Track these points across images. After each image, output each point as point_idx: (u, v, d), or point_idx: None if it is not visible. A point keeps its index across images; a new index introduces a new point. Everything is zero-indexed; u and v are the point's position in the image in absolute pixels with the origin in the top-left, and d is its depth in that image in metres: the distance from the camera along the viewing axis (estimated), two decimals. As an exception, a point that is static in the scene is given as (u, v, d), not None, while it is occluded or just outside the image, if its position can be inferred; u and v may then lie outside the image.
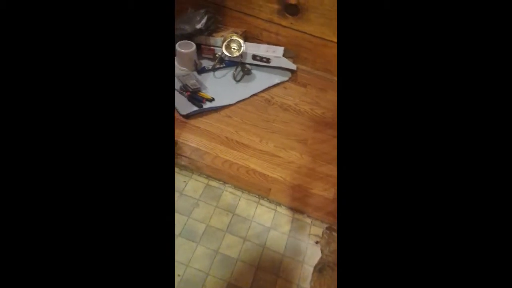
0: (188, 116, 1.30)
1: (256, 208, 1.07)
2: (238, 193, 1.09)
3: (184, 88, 1.36)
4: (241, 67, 1.46)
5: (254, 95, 1.43)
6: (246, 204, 1.07)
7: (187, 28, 1.46)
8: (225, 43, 1.44)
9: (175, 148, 1.19)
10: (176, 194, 1.06)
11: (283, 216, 1.07)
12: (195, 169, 1.13)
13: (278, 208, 1.08)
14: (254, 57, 1.49)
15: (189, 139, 1.23)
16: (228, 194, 1.09)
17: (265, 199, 1.10)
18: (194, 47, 1.43)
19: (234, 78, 1.46)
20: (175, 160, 1.15)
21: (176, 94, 1.35)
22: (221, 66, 1.50)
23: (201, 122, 1.29)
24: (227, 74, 1.48)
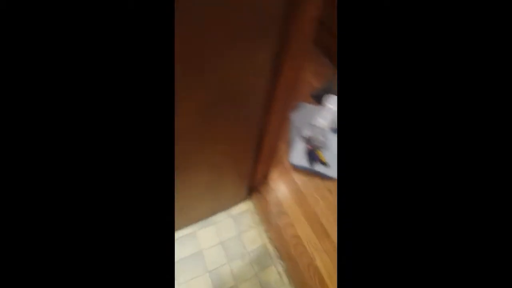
0: (294, 167, 1.24)
1: (292, 309, 0.91)
2: (285, 280, 0.96)
3: (309, 141, 1.31)
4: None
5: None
6: (284, 297, 0.92)
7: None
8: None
9: (263, 188, 1.16)
10: (234, 233, 1.03)
11: None
12: (265, 222, 1.07)
13: (314, 330, 0.88)
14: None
15: (280, 189, 1.17)
16: (275, 273, 0.96)
17: (308, 308, 0.91)
18: (343, 107, 1.35)
19: (363, 158, 1.29)
20: (254, 203, 1.12)
21: (299, 140, 1.32)
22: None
23: (301, 179, 1.21)
24: (359, 149, 1.32)
